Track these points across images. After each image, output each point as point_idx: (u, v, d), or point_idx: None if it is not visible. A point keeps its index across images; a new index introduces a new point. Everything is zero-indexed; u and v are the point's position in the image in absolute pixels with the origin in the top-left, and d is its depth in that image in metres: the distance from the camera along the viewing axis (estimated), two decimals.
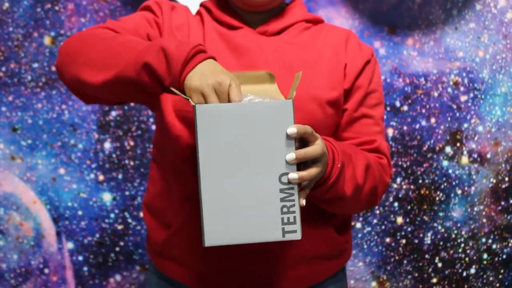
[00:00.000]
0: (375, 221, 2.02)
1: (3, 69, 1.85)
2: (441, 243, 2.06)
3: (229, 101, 0.95)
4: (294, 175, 0.94)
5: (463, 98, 2.01)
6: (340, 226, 1.28)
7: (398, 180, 2.02)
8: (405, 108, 1.99)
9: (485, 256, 2.09)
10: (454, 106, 2.00)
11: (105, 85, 1.06)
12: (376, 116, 1.26)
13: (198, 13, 1.28)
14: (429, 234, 2.05)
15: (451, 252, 2.07)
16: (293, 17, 1.25)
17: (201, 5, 1.28)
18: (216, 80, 0.95)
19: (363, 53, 1.25)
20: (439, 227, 2.05)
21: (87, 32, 1.13)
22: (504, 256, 2.10)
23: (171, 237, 1.21)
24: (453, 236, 2.06)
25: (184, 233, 1.19)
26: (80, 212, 1.91)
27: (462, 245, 2.07)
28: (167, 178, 1.23)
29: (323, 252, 1.23)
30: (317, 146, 0.97)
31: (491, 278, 2.10)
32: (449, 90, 2.00)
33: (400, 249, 2.05)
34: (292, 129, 0.93)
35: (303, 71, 1.17)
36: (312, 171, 0.97)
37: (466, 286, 2.09)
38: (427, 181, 2.03)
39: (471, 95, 2.01)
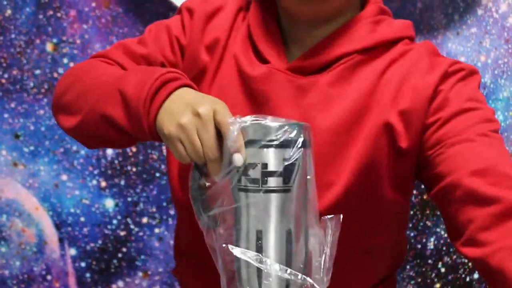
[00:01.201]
0: None
1: (6, 75, 1.86)
2: (444, 248, 2.06)
3: (217, 129, 0.72)
4: None
5: None
6: None
7: None
8: None
9: None
10: None
11: (75, 132, 0.90)
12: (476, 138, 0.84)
13: (247, 18, 0.96)
14: (432, 239, 2.05)
15: (454, 257, 2.06)
16: (346, 44, 0.87)
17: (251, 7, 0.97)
18: (192, 113, 0.71)
19: (426, 82, 0.85)
20: (442, 232, 2.05)
21: (73, 68, 0.96)
22: None
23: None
24: None
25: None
26: (82, 219, 1.91)
27: None
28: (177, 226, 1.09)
29: None
30: None
31: None
32: None
33: None
34: None
35: (328, 148, 0.84)
36: None
37: None
38: None
39: None
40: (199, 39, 0.93)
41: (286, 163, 0.71)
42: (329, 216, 0.73)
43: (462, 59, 1.99)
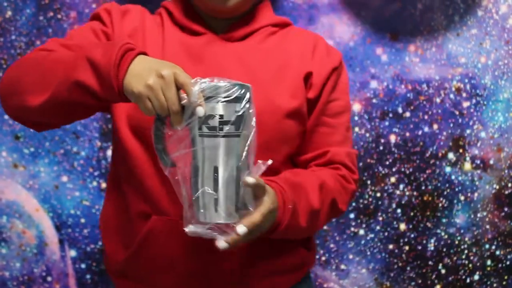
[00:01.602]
0: (378, 227, 2.02)
1: None
2: (445, 249, 2.06)
3: (178, 89, 0.91)
4: (222, 243, 0.94)
5: (466, 104, 2.01)
6: (307, 242, 1.26)
7: (401, 186, 2.01)
8: (408, 114, 1.99)
9: (488, 262, 2.08)
10: (457, 112, 2.00)
11: (43, 108, 1.01)
12: (336, 125, 1.22)
13: (158, 14, 1.21)
14: (432, 241, 2.05)
15: (455, 258, 2.06)
16: (259, 21, 1.20)
17: (162, 5, 1.22)
18: (156, 76, 0.90)
19: (330, 59, 1.21)
20: (442, 234, 2.05)
21: (21, 60, 1.08)
22: (508, 263, 2.09)
23: (131, 256, 1.16)
24: (457, 242, 2.06)
25: (145, 252, 1.15)
26: (83, 220, 1.91)
27: (466, 251, 2.06)
28: (123, 194, 1.18)
29: (288, 267, 1.22)
30: (259, 215, 0.95)
31: (495, 285, 2.10)
32: (452, 96, 2.00)
33: (403, 255, 2.04)
34: (250, 180, 0.93)
35: (267, 80, 1.13)
36: (248, 238, 0.97)
37: None
38: (430, 187, 2.02)
39: (474, 101, 2.01)
40: (120, 27, 1.14)
41: (237, 114, 0.92)
42: (262, 161, 0.96)
43: (462, 60, 1.99)
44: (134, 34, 1.15)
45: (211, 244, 1.09)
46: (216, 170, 0.93)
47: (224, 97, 0.91)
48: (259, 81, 1.10)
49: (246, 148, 0.94)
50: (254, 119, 0.94)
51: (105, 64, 0.93)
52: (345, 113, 1.25)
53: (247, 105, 0.93)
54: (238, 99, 0.92)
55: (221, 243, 0.95)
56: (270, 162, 0.96)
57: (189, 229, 0.95)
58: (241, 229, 0.93)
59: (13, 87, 1.06)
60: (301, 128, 1.19)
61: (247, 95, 0.93)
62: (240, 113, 0.92)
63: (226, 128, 0.92)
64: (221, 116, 0.92)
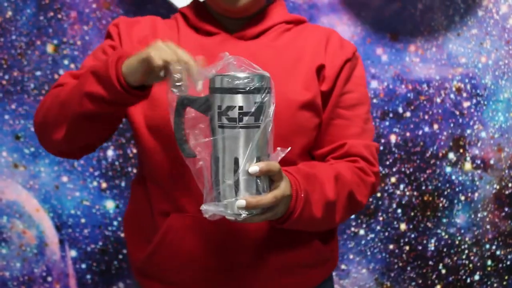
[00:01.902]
0: (378, 227, 2.02)
1: (6, 77, 1.86)
2: (445, 249, 2.05)
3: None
4: (242, 201, 0.92)
5: (466, 104, 2.01)
6: (325, 236, 1.25)
7: (401, 186, 2.01)
8: (408, 114, 1.99)
9: (489, 262, 2.08)
10: (457, 112, 2.00)
11: (68, 136, 1.09)
12: (352, 117, 1.21)
13: (174, 18, 1.25)
14: (432, 241, 2.05)
15: (455, 258, 2.06)
16: (273, 19, 1.21)
17: (179, 10, 1.26)
18: (155, 43, 0.95)
19: (343, 52, 1.21)
20: (443, 234, 2.05)
21: (41, 104, 1.17)
22: (508, 263, 2.09)
23: (150, 254, 1.19)
24: (457, 242, 2.06)
25: (164, 249, 1.17)
26: (83, 220, 1.91)
27: (466, 251, 2.06)
28: (146, 193, 1.21)
29: (306, 261, 1.21)
30: (271, 196, 0.94)
31: (495, 285, 2.09)
32: (452, 96, 2.00)
33: (404, 255, 2.04)
34: (254, 168, 0.92)
35: (279, 75, 1.13)
36: (261, 218, 0.96)
37: None
38: (430, 187, 2.02)
39: (474, 101, 2.01)
40: (129, 37, 1.18)
41: (257, 105, 0.91)
42: (280, 148, 0.95)
43: (463, 60, 1.99)
44: (144, 40, 1.17)
45: (228, 239, 1.13)
46: (236, 161, 0.92)
47: (244, 88, 0.91)
48: (272, 77, 1.10)
49: (266, 138, 0.93)
50: (273, 108, 0.93)
51: (105, 68, 0.97)
52: (362, 105, 1.24)
53: (267, 96, 0.92)
54: (258, 90, 0.92)
55: (241, 202, 0.92)
56: (289, 149, 0.96)
57: (203, 207, 0.94)
58: (240, 202, 0.92)
59: (41, 128, 1.16)
60: (317, 120, 1.19)
61: (267, 86, 0.92)
62: (259, 104, 0.91)
63: (246, 119, 0.91)
64: (241, 108, 0.91)
